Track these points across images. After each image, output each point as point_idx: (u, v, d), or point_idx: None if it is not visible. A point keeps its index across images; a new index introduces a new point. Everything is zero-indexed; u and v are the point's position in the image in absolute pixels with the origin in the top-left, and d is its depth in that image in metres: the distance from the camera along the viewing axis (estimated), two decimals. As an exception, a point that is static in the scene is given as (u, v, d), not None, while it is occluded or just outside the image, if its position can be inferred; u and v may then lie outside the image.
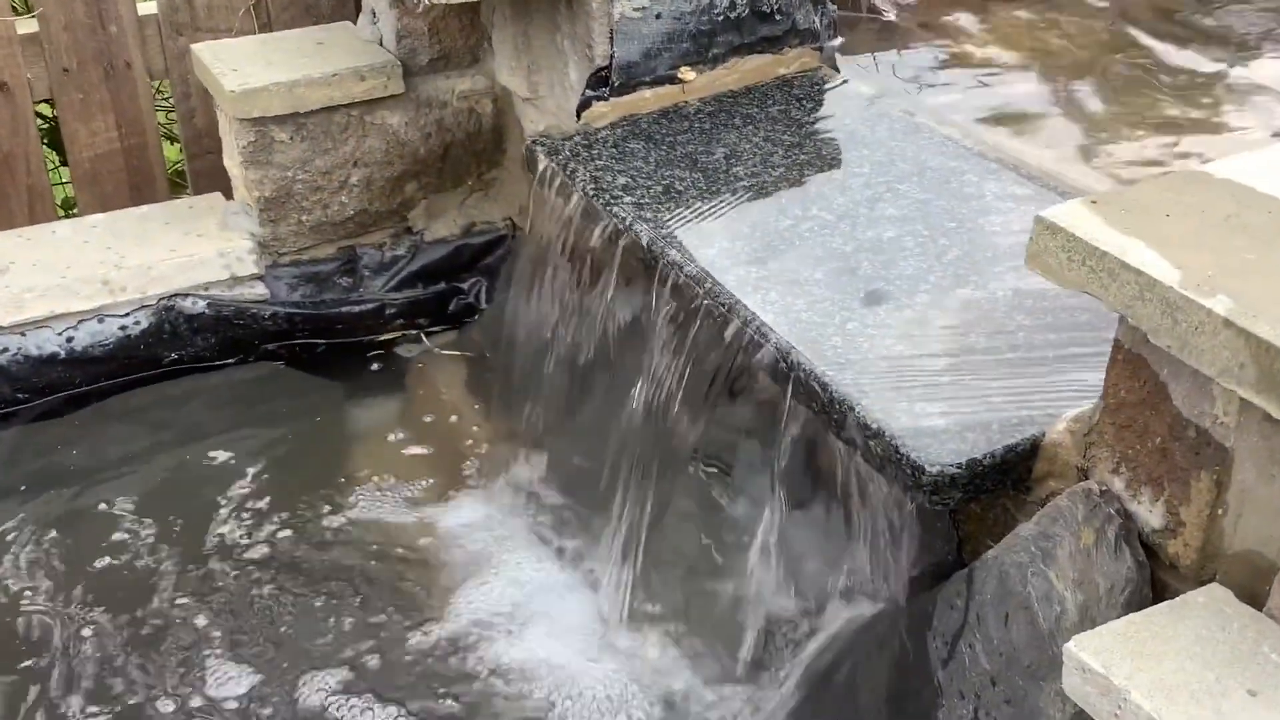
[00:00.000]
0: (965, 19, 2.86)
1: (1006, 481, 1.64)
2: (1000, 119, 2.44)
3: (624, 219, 2.15)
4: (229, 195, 2.92)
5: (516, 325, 2.69)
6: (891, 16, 2.88)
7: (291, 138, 2.71)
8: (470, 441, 2.64)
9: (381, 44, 2.82)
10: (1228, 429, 1.37)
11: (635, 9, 2.41)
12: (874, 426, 1.65)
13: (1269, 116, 2.41)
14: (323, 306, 2.85)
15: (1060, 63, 2.66)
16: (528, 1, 2.58)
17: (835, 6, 2.61)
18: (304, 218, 2.80)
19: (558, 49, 2.54)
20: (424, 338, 2.92)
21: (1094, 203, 1.45)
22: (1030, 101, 2.51)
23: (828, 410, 1.73)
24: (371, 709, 2.08)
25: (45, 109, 3.27)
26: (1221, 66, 2.62)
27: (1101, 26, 2.82)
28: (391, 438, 2.67)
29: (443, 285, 2.93)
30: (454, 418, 2.71)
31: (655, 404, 2.14)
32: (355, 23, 2.93)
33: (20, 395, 2.64)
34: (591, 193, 2.24)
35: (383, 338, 2.90)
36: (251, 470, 2.57)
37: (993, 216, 2.09)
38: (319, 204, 2.80)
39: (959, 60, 2.68)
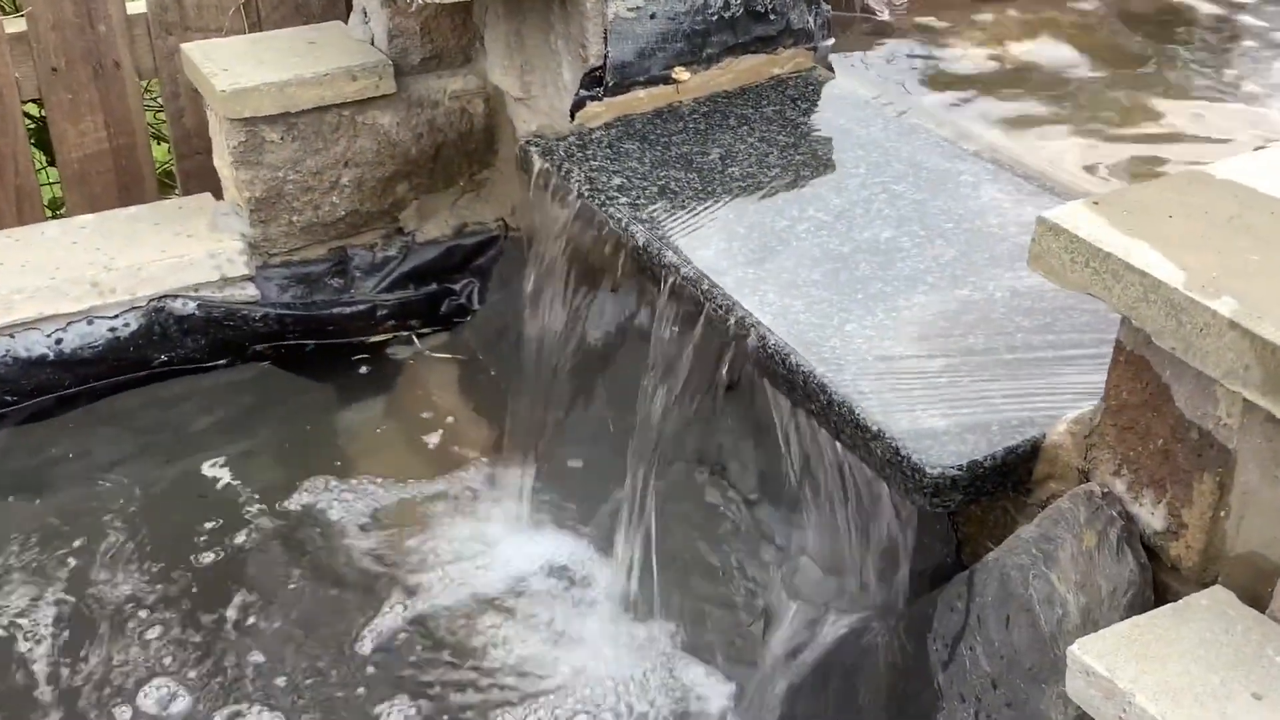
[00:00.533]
0: (959, 18, 2.86)
1: (1007, 483, 1.63)
2: (996, 118, 2.43)
3: (620, 220, 2.14)
4: (218, 195, 2.89)
5: (509, 327, 2.68)
6: (885, 16, 2.87)
7: (282, 138, 2.69)
8: (463, 444, 2.62)
9: (373, 43, 2.80)
10: (1231, 431, 1.37)
11: (629, 9, 2.40)
12: (874, 428, 1.64)
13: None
14: (314, 308, 2.83)
15: (1056, 59, 2.65)
16: (520, 1, 2.56)
17: (829, 6, 2.60)
18: (295, 218, 2.78)
19: (551, 49, 2.53)
20: (415, 339, 2.90)
21: (1096, 204, 1.45)
22: (1025, 101, 2.51)
23: (827, 412, 1.72)
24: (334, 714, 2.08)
25: (33, 109, 3.24)
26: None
27: (1097, 24, 2.82)
28: (383, 440, 2.65)
29: (434, 286, 2.92)
30: (447, 420, 2.69)
31: (652, 405, 2.13)
32: (346, 22, 2.91)
33: (9, 397, 2.62)
34: (586, 193, 2.22)
35: (374, 339, 2.88)
36: (242, 474, 2.55)
37: (990, 217, 2.08)
38: (310, 204, 2.78)
39: (953, 60, 2.68)
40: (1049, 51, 2.71)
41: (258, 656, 2.17)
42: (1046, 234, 1.43)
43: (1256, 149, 1.55)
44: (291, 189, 2.75)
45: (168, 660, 2.16)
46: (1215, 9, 2.90)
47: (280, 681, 2.12)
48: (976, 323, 1.83)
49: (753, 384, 1.95)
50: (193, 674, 2.14)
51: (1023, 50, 2.71)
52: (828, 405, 1.72)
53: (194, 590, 2.30)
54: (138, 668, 2.15)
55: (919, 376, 1.73)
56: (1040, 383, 1.71)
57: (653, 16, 2.43)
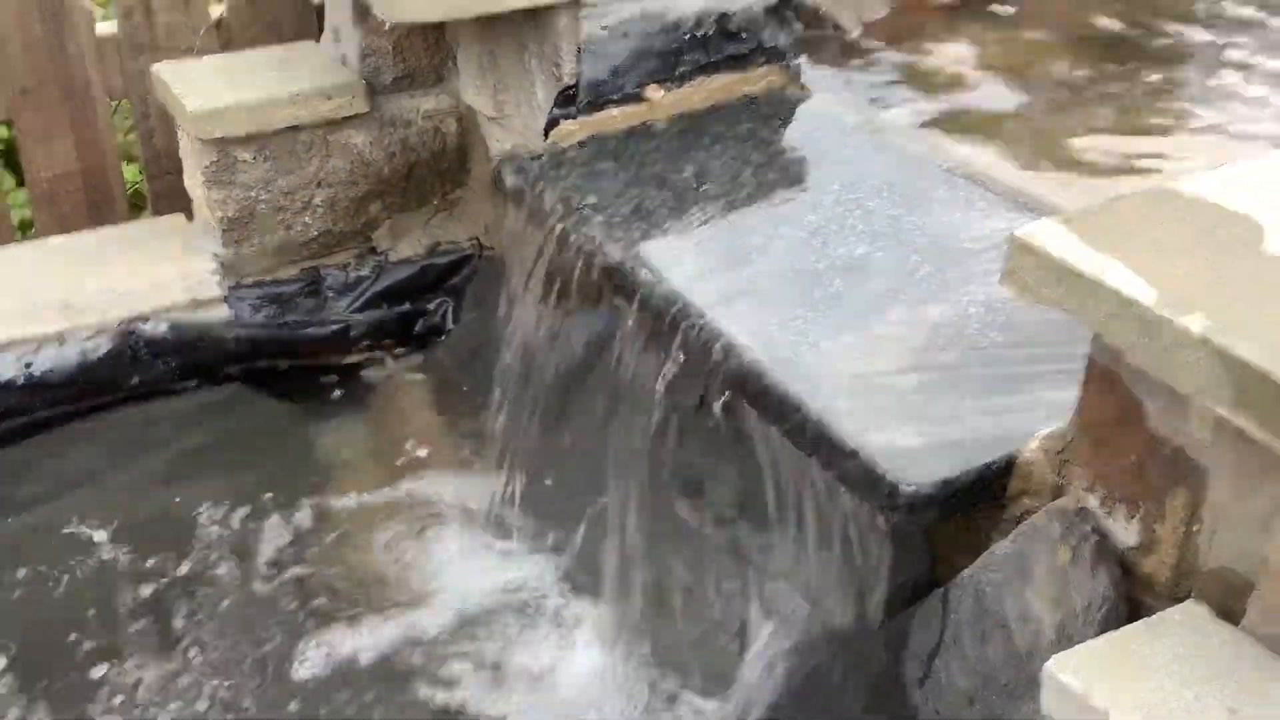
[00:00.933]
0: (929, 37, 2.87)
1: (981, 500, 1.64)
2: (966, 135, 2.44)
3: (594, 238, 2.14)
4: (189, 216, 2.88)
5: (484, 346, 2.67)
6: (857, 35, 2.88)
7: (254, 158, 2.68)
8: (436, 464, 2.61)
9: (345, 63, 2.79)
10: (1203, 446, 1.38)
11: (603, 27, 2.40)
12: (849, 446, 1.64)
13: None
14: (286, 328, 2.81)
15: (1026, 78, 2.67)
16: (494, 20, 2.56)
17: (801, 25, 2.61)
18: (267, 238, 2.77)
19: (524, 68, 2.53)
20: (389, 359, 2.89)
21: (1068, 221, 1.46)
22: (995, 118, 2.52)
23: (802, 429, 1.72)
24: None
25: (2, 130, 3.22)
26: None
27: (1060, 46, 2.84)
28: (356, 461, 2.64)
29: (408, 306, 2.90)
30: (420, 440, 2.68)
31: (626, 424, 2.13)
32: (318, 42, 2.91)
33: (-23, 421, 2.60)
34: (561, 212, 2.22)
35: (348, 360, 2.87)
36: (212, 496, 2.52)
37: (963, 233, 2.09)
38: (282, 224, 2.77)
39: (926, 78, 2.69)
40: (1016, 71, 2.72)
41: (215, 685, 2.15)
42: (1019, 251, 1.44)
43: (1212, 169, 1.56)
44: (264, 209, 2.74)
45: (109, 693, 2.13)
46: (1169, 34, 2.93)
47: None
48: (951, 339, 1.84)
49: (727, 402, 1.95)
50: (139, 698, 2.11)
51: (992, 70, 2.73)
52: (802, 423, 1.71)
53: (156, 615, 2.27)
54: (80, 698, 2.12)
55: (893, 393, 1.74)
56: (1014, 399, 1.71)
57: (626, 35, 2.43)
